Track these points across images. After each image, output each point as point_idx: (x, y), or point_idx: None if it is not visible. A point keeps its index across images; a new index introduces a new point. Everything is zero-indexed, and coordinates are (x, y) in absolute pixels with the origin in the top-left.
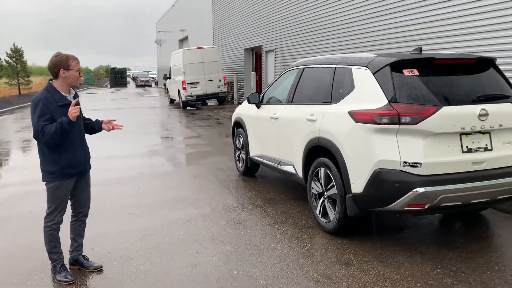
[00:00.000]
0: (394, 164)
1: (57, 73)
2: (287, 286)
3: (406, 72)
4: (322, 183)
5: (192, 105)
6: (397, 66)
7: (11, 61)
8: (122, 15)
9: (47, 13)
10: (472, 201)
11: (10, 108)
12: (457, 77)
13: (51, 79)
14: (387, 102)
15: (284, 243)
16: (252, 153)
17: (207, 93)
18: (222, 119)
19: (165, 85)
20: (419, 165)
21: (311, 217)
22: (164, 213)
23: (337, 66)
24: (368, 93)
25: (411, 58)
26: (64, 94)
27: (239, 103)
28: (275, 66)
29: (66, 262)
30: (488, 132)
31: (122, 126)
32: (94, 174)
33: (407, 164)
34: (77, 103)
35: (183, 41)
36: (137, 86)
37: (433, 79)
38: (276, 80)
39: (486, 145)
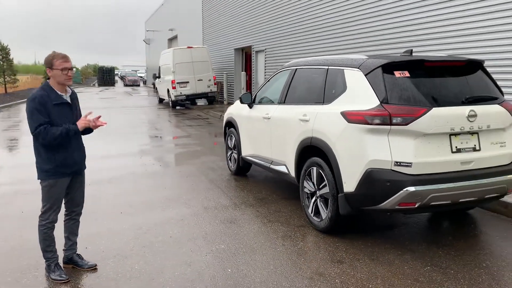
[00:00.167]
0: (386, 163)
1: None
2: (281, 283)
3: (397, 73)
4: (315, 183)
5: (182, 105)
6: (389, 67)
7: None
8: (110, 13)
9: (33, 11)
10: (460, 200)
11: None
12: (446, 79)
13: (49, 78)
14: (379, 103)
15: (277, 241)
16: (244, 153)
17: (197, 93)
18: (212, 119)
19: (153, 84)
20: (409, 164)
21: (303, 216)
22: (157, 212)
23: (330, 67)
24: (360, 94)
25: (402, 60)
26: (59, 93)
27: (229, 103)
28: (265, 66)
29: (60, 261)
30: (477, 133)
31: (106, 123)
32: (86, 173)
33: (398, 163)
34: (91, 119)
35: (172, 40)
36: (125, 85)
37: (424, 80)
38: (268, 80)
39: (475, 145)
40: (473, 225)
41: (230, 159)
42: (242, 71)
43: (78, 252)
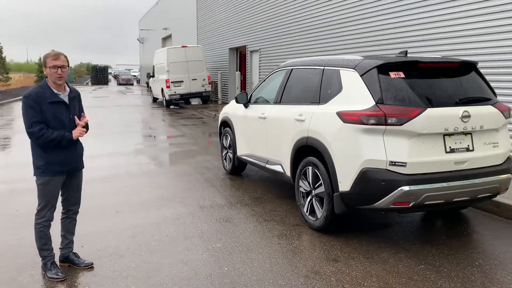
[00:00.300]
0: (381, 163)
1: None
2: (277, 281)
3: (392, 74)
4: (310, 182)
5: (176, 104)
6: (384, 68)
7: None
8: (103, 12)
9: (26, 9)
10: (454, 200)
11: None
12: (440, 79)
13: (46, 77)
14: (374, 103)
15: (272, 240)
16: (240, 152)
17: (191, 92)
18: (206, 118)
19: (147, 83)
20: (404, 164)
21: (298, 215)
22: (152, 211)
23: (325, 67)
24: (356, 94)
25: (397, 61)
26: (55, 91)
27: (223, 103)
28: (259, 66)
29: (57, 259)
30: (470, 133)
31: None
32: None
33: (393, 163)
34: (86, 126)
35: (166, 39)
36: (119, 84)
37: (418, 81)
38: (264, 80)
39: (468, 145)
40: (466, 225)
41: (225, 159)
42: (237, 70)
43: (74, 250)
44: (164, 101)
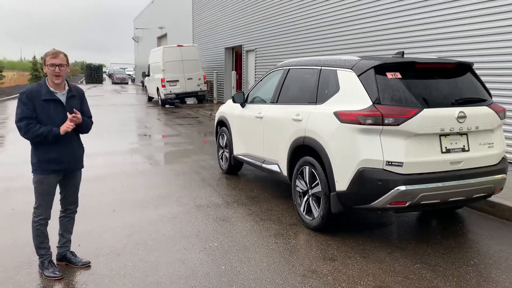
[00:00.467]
0: (377, 163)
1: None
2: (275, 280)
3: (389, 75)
4: (307, 181)
5: (171, 103)
6: (381, 69)
7: None
8: (98, 10)
9: (19, 7)
10: (450, 199)
11: None
12: (437, 80)
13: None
14: (371, 103)
15: (269, 239)
16: (236, 152)
17: (187, 92)
18: (201, 118)
19: (142, 82)
20: (401, 164)
21: (295, 215)
22: (149, 210)
23: (323, 67)
24: (353, 95)
25: (394, 62)
26: (51, 89)
27: (219, 102)
28: (255, 66)
29: (54, 258)
30: (466, 134)
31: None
32: None
33: (390, 163)
34: (73, 120)
35: (161, 38)
36: (113, 83)
37: (415, 82)
38: (261, 80)
39: (464, 146)
40: (461, 224)
41: (221, 158)
42: (233, 70)
43: (71, 249)
44: (160, 100)
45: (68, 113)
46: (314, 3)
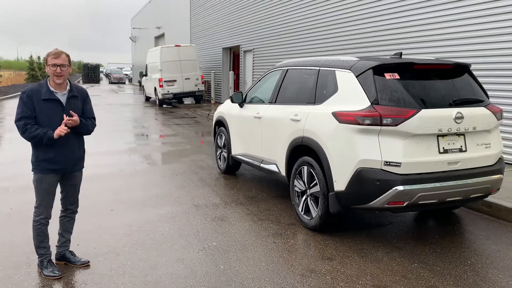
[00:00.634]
0: (376, 163)
1: None
2: (273, 279)
3: (387, 75)
4: (305, 181)
5: (169, 103)
6: (379, 69)
7: None
8: (96, 10)
9: (16, 6)
10: (447, 199)
11: None
12: (434, 81)
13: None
14: (370, 104)
15: (268, 239)
16: (234, 152)
17: (184, 91)
18: (199, 118)
19: (139, 82)
20: (399, 164)
21: (293, 214)
22: (147, 210)
23: (321, 68)
24: (351, 95)
25: (392, 62)
26: (52, 89)
27: (217, 102)
28: (253, 66)
29: (53, 257)
30: (463, 134)
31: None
32: None
33: (388, 163)
34: (69, 123)
35: (159, 38)
36: (111, 82)
37: (413, 82)
38: (259, 80)
39: (461, 146)
40: (458, 224)
41: (219, 158)
42: (230, 70)
43: (70, 249)
44: (157, 100)
45: (64, 116)
46: (312, 4)
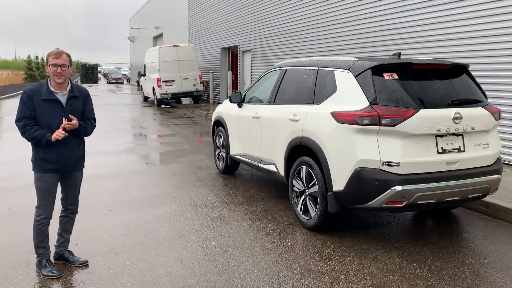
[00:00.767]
0: (374, 163)
1: None
2: (272, 279)
3: (386, 75)
4: (304, 181)
5: (167, 103)
6: (378, 70)
7: None
8: (94, 9)
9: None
10: (445, 199)
11: None
12: (433, 81)
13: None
14: (368, 104)
15: (266, 239)
16: (233, 152)
17: (183, 92)
18: (197, 118)
19: (138, 82)
20: (397, 164)
21: (291, 214)
22: (146, 210)
23: (320, 68)
24: (350, 95)
25: (391, 63)
26: (52, 89)
27: (215, 102)
28: (251, 66)
29: (51, 257)
30: (461, 134)
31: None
32: None
33: (387, 163)
34: (68, 127)
35: (157, 38)
36: (109, 82)
37: (411, 83)
38: (258, 80)
39: (459, 146)
40: (456, 224)
41: (218, 158)
42: (229, 70)
43: (68, 249)
44: (155, 100)
45: (64, 119)
46: (310, 4)
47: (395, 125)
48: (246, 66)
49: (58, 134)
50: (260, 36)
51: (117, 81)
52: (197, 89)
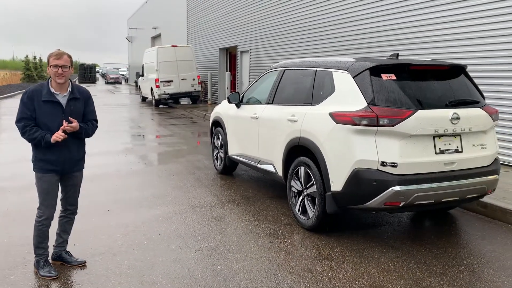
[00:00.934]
0: (372, 163)
1: None
2: (270, 280)
3: (384, 76)
4: (302, 182)
5: (165, 104)
6: (376, 70)
7: None
8: (92, 9)
9: (12, 6)
10: (443, 200)
11: None
12: (431, 82)
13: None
14: (366, 104)
15: (265, 239)
16: (231, 152)
17: (181, 92)
18: (195, 118)
19: (136, 82)
20: (395, 165)
21: (290, 215)
22: (144, 210)
23: (318, 69)
24: (348, 96)
25: (389, 63)
26: (52, 90)
27: (213, 103)
28: (250, 67)
29: (49, 257)
30: (459, 135)
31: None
32: None
33: (384, 163)
34: (68, 129)
35: (155, 38)
36: (107, 83)
37: (409, 83)
38: (256, 81)
39: (457, 147)
40: (454, 224)
41: (216, 158)
42: (227, 71)
43: (66, 249)
44: (154, 101)
45: (64, 121)
46: (309, 5)
47: (393, 126)
48: (244, 67)
49: (58, 136)
50: (259, 36)
51: (115, 81)
52: (195, 89)
